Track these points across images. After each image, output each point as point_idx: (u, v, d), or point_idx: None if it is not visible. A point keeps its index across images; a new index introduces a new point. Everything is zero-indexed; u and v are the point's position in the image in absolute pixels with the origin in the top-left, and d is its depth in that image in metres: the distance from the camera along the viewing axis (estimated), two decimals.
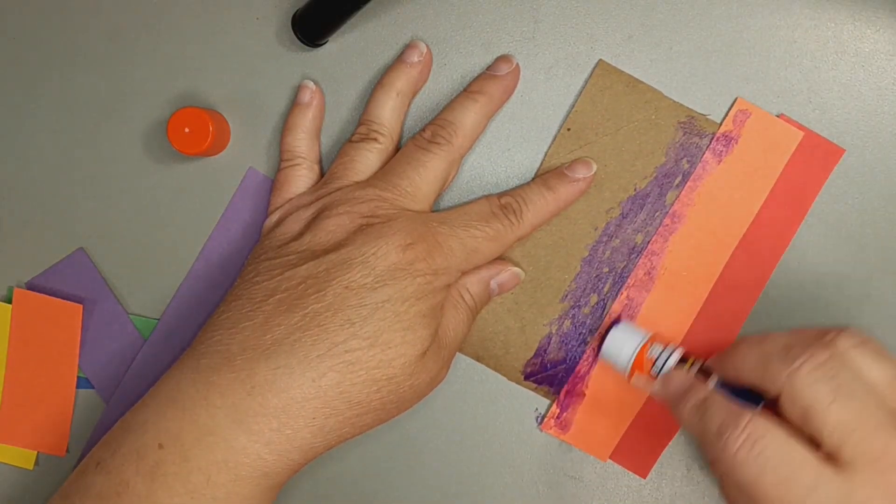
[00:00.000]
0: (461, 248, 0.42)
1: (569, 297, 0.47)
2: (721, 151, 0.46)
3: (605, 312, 0.47)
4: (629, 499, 0.48)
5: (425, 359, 0.41)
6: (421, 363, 0.41)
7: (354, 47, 0.48)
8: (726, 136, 0.46)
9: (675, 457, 0.48)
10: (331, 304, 0.39)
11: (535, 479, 0.49)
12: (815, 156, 0.46)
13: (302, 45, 0.47)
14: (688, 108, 0.46)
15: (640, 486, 0.48)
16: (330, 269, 0.40)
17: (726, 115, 0.46)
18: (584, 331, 0.47)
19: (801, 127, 0.46)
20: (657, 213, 0.47)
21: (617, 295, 0.47)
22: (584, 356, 0.47)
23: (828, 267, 0.47)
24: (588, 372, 0.48)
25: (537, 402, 0.49)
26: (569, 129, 0.47)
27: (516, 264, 0.47)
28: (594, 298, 0.47)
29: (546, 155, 0.47)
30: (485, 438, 0.49)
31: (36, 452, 0.50)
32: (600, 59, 0.47)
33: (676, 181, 0.46)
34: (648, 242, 0.47)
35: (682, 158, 0.46)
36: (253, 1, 0.48)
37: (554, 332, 0.48)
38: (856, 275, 0.47)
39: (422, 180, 0.43)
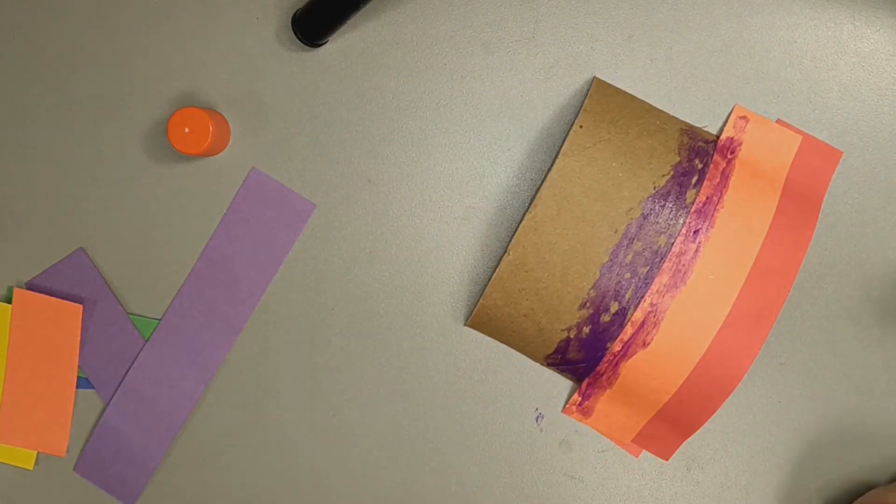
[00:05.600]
0: None
1: (588, 304, 0.44)
2: (727, 155, 0.46)
3: (626, 320, 0.44)
4: (629, 499, 0.48)
5: None
6: None
7: (354, 47, 0.48)
8: (731, 140, 0.46)
9: (675, 457, 0.48)
10: None
11: (535, 479, 0.49)
12: (816, 158, 0.46)
13: (302, 45, 0.47)
14: (685, 121, 0.46)
15: (640, 486, 0.48)
16: None
17: (726, 121, 0.46)
18: (604, 337, 0.45)
19: (798, 131, 0.46)
20: (680, 213, 0.44)
21: (639, 302, 0.44)
22: (605, 359, 0.46)
23: (827, 267, 0.47)
24: (610, 371, 0.46)
25: (537, 402, 0.49)
26: (581, 126, 0.45)
27: (530, 269, 0.45)
28: (615, 306, 0.44)
29: (560, 152, 0.46)
30: (485, 438, 0.49)
31: (36, 452, 0.50)
32: (595, 77, 0.46)
33: (693, 180, 0.44)
34: (672, 245, 0.44)
35: (694, 158, 0.45)
36: (253, 1, 0.48)
37: (573, 336, 0.45)
38: (855, 275, 0.47)
39: None
